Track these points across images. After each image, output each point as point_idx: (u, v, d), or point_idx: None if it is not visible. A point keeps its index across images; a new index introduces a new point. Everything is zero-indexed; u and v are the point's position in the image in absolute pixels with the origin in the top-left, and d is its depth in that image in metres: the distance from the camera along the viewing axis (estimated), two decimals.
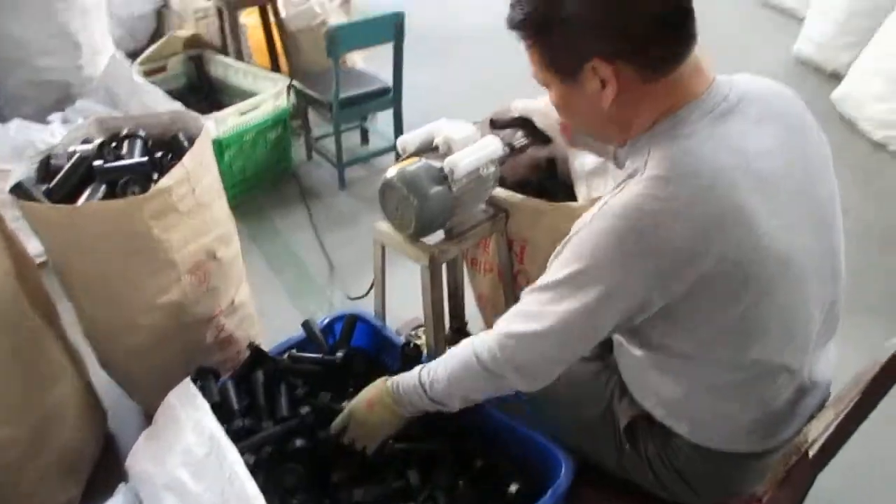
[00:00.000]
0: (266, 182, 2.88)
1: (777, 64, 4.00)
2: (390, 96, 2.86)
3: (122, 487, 1.26)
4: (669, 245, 0.89)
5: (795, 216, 0.96)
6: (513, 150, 1.47)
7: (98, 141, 1.54)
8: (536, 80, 1.02)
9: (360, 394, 1.28)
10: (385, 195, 1.36)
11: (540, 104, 1.45)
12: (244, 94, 2.84)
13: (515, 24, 0.98)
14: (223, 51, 3.18)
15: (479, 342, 1.10)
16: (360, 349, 1.53)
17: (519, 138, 1.48)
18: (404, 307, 1.79)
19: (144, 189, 1.43)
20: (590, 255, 0.94)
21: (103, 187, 1.44)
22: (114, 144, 1.56)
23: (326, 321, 1.58)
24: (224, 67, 3.04)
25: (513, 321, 1.05)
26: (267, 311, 2.04)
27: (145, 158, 1.51)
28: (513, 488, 1.27)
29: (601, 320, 0.97)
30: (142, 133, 1.59)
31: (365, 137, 3.24)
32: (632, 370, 1.16)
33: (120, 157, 1.52)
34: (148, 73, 2.96)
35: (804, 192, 0.98)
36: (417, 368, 1.21)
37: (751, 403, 1.05)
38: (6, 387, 1.42)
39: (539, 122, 1.46)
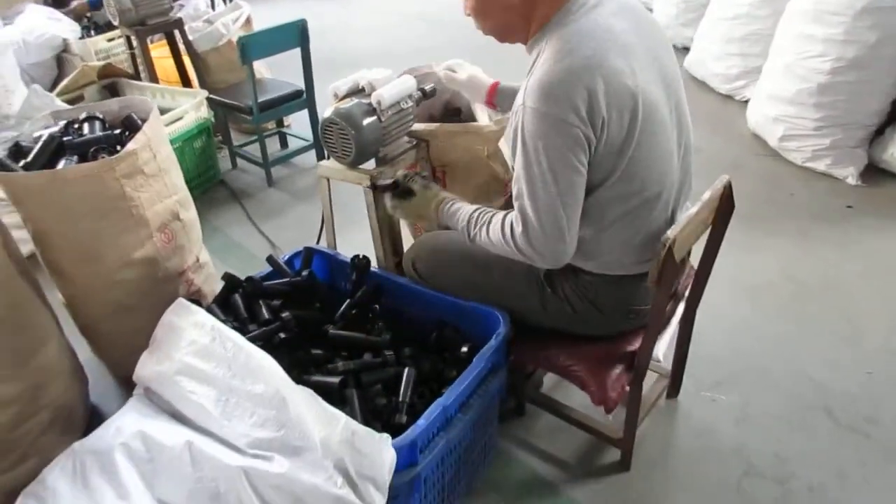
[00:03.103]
0: (197, 189, 3.07)
1: None
2: (304, 97, 3.14)
3: (131, 400, 1.44)
4: (577, 94, 1.19)
5: (651, 75, 1.31)
6: (424, 94, 1.79)
7: (63, 123, 1.74)
8: None
9: (413, 204, 1.55)
10: (325, 132, 1.64)
11: (461, 76, 1.76)
12: (164, 113, 3.04)
13: None
14: (136, 77, 3.37)
15: (511, 233, 1.32)
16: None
17: (429, 87, 1.81)
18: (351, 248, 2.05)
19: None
20: (531, 133, 1.23)
21: (75, 158, 1.65)
22: (75, 126, 1.76)
23: (287, 257, 1.82)
24: (140, 90, 3.22)
25: (518, 206, 1.30)
26: None
27: (108, 132, 1.72)
28: (464, 349, 1.56)
29: (570, 171, 1.24)
30: (99, 115, 1.80)
31: (284, 141, 3.49)
32: None
33: (84, 136, 1.73)
34: (68, 103, 3.10)
35: (654, 59, 1.34)
36: (468, 209, 1.45)
37: (637, 229, 1.39)
38: (7, 344, 1.57)
39: (466, 91, 1.77)
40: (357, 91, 1.70)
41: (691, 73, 4.00)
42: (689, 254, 1.65)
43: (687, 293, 1.69)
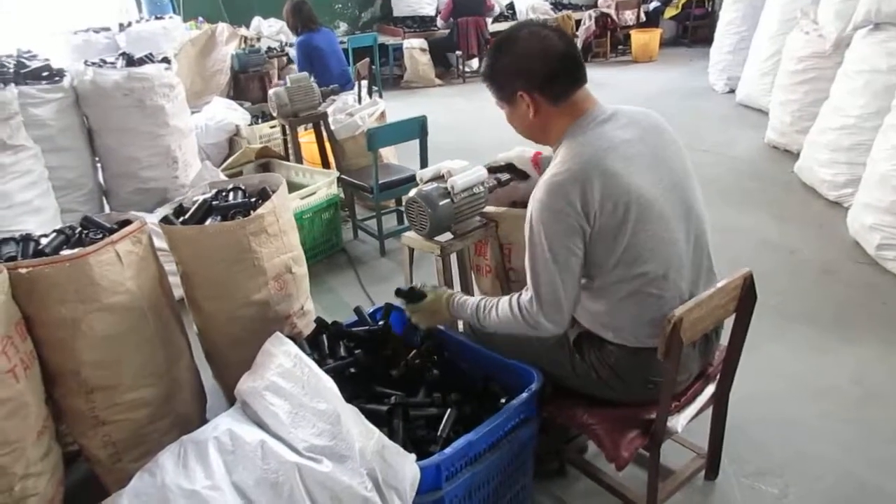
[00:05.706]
0: (321, 254, 3.57)
1: (753, 147, 4.71)
2: None
3: (231, 409, 1.81)
4: (574, 191, 1.48)
5: (651, 177, 1.55)
6: (499, 183, 2.12)
7: (214, 191, 2.24)
8: (498, 106, 1.69)
9: (427, 304, 1.83)
10: (408, 208, 2.00)
11: (512, 153, 2.12)
12: (301, 189, 3.60)
13: (482, 76, 1.67)
14: (286, 158, 4.00)
15: (518, 304, 1.60)
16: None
17: (504, 177, 2.14)
18: None
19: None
20: (536, 220, 1.54)
21: (219, 217, 2.12)
22: (223, 194, 2.26)
23: (371, 310, 2.17)
24: (287, 169, 3.84)
25: (528, 280, 1.59)
26: None
27: (246, 200, 2.19)
28: (503, 399, 1.79)
29: (566, 252, 1.51)
30: (242, 186, 2.29)
31: (400, 218, 3.95)
32: None
33: (228, 202, 2.21)
34: (229, 177, 3.76)
35: (660, 162, 1.58)
36: (475, 299, 1.75)
37: (646, 307, 1.59)
38: (153, 356, 2.01)
39: (517, 163, 2.12)
40: (438, 177, 2.06)
41: (801, 179, 4.04)
42: (717, 335, 1.80)
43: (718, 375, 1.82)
